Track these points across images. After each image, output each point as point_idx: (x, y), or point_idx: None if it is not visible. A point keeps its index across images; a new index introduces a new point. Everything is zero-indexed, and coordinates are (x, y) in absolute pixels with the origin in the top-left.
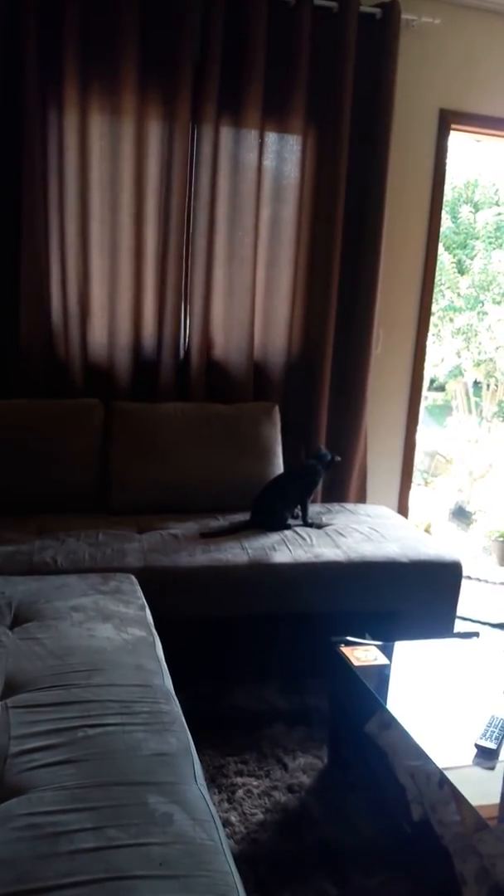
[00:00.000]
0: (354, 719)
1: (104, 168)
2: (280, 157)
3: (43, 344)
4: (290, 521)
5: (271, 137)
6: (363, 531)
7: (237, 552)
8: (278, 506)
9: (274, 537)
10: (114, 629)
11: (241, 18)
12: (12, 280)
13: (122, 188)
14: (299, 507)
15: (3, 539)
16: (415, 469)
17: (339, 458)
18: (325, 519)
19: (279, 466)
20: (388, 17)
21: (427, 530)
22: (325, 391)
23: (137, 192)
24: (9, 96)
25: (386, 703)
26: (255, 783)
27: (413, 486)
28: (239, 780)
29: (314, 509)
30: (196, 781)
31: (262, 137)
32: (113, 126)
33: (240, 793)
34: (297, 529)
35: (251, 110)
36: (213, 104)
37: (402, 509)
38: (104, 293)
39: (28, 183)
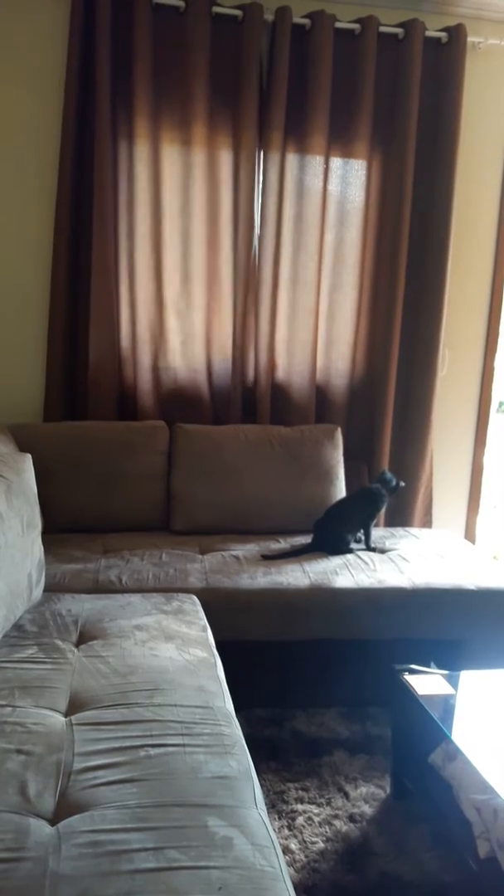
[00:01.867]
0: (418, 750)
1: (173, 196)
2: (345, 181)
3: (112, 368)
4: (353, 546)
5: (336, 163)
6: (428, 557)
7: (298, 575)
8: (341, 529)
9: (336, 561)
10: (176, 649)
11: (306, 47)
12: (84, 306)
13: (190, 215)
14: (362, 531)
15: (71, 557)
16: (484, 494)
17: (403, 484)
18: (388, 543)
19: (341, 489)
20: (453, 40)
21: (495, 557)
22: (388, 413)
23: (205, 219)
24: (81, 128)
25: (451, 734)
26: (315, 811)
27: (482, 511)
28: (299, 806)
29: (377, 533)
30: (256, 806)
31: (327, 163)
32: (182, 155)
33: (300, 820)
34: (360, 554)
35: (316, 137)
36: (279, 132)
37: (469, 535)
38: (171, 318)
39: (98, 212)
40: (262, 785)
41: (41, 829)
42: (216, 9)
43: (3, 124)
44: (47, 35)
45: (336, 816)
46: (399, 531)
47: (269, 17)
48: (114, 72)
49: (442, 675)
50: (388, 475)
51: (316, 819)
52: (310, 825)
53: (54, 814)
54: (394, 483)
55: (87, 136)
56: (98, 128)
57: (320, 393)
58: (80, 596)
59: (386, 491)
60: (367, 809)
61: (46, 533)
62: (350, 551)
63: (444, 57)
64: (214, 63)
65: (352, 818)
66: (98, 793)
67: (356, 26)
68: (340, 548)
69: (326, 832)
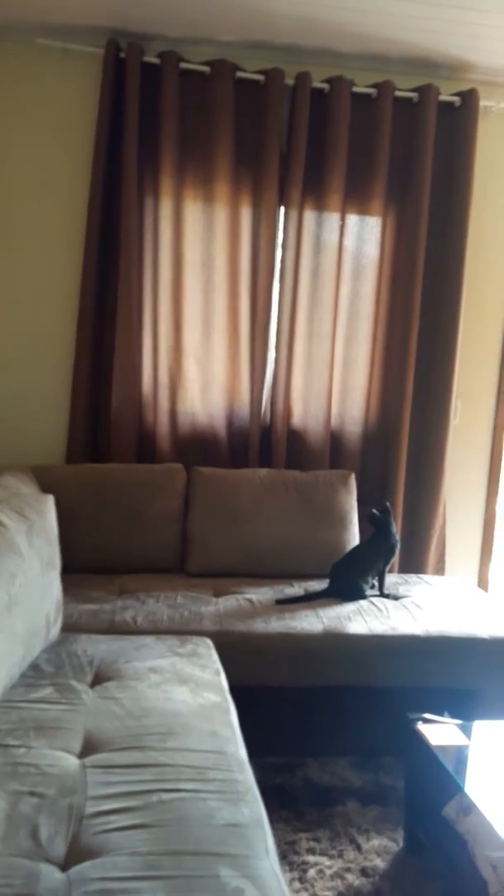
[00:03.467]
0: (432, 802)
1: (195, 251)
2: (360, 237)
3: (133, 412)
4: (367, 592)
5: (352, 219)
6: (441, 604)
7: (312, 621)
8: (355, 575)
9: (350, 607)
10: (189, 693)
11: (325, 110)
12: (108, 353)
13: (211, 269)
14: (376, 577)
15: (88, 597)
16: (497, 542)
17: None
18: (402, 590)
19: (355, 535)
20: (466, 104)
21: None
22: (402, 461)
23: (226, 273)
24: (109, 185)
25: (465, 786)
26: (327, 863)
27: (494, 559)
28: (311, 858)
29: (391, 580)
30: (268, 856)
31: (343, 220)
32: (205, 212)
33: (311, 872)
34: (374, 600)
35: (333, 195)
36: (298, 190)
37: (483, 583)
38: (191, 366)
39: (124, 264)
40: (273, 834)
41: (52, 875)
42: (239, 73)
43: (36, 180)
44: (79, 96)
45: (348, 870)
46: (412, 578)
47: (290, 81)
48: (141, 132)
49: (456, 724)
50: (382, 508)
51: (328, 872)
52: (321, 878)
53: (65, 859)
54: (389, 508)
55: (114, 192)
56: (125, 185)
57: (335, 439)
58: (96, 637)
59: (389, 520)
60: (380, 863)
61: (65, 573)
62: (364, 597)
63: (458, 120)
64: (237, 125)
65: (364, 872)
66: (110, 838)
67: (373, 91)
68: (355, 594)
69: (338, 886)
